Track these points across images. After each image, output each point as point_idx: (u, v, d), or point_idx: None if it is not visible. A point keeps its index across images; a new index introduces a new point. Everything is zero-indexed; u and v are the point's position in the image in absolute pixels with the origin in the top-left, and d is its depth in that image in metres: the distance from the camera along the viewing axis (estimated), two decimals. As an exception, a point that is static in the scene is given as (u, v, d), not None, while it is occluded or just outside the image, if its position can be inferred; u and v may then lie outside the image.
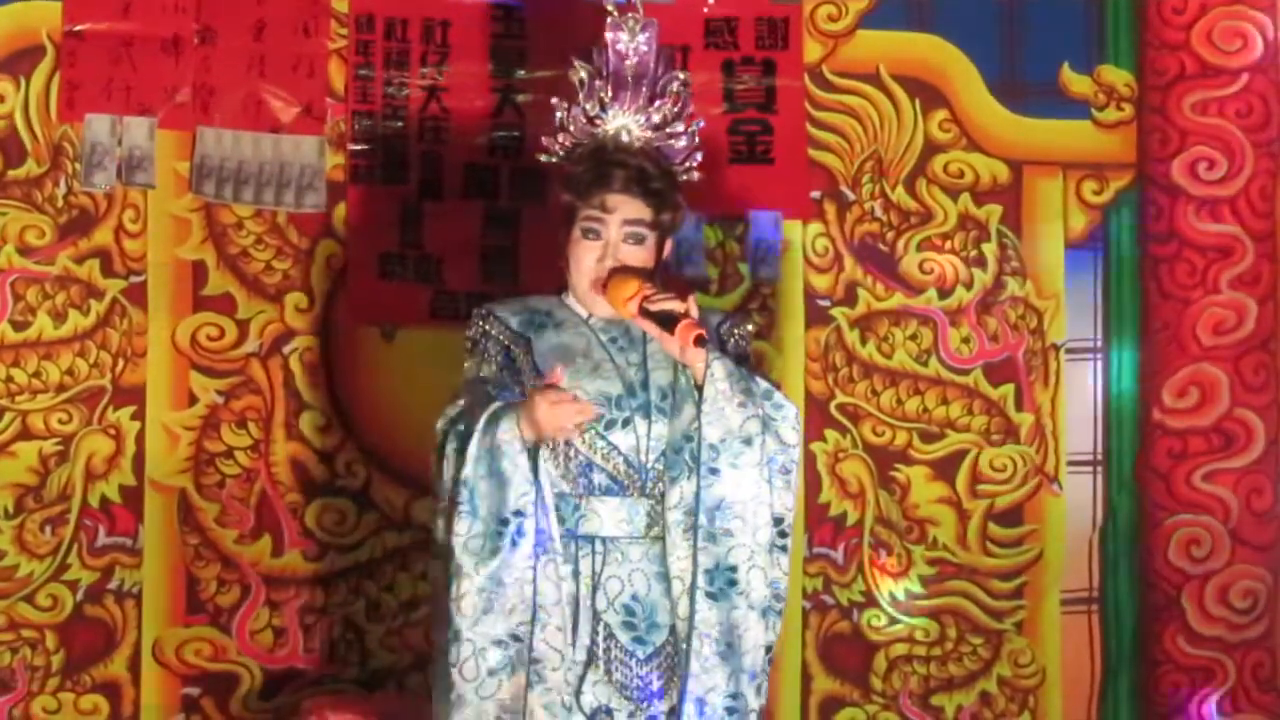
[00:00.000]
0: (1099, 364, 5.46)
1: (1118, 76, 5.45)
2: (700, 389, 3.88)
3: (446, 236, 5.19)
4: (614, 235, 3.97)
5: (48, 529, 5.09)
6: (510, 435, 3.82)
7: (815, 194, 5.37)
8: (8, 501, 5.06)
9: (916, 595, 5.39)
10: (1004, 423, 5.42)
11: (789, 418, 3.98)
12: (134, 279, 5.12)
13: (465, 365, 4.05)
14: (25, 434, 5.08)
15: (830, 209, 5.37)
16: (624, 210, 3.96)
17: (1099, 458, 5.46)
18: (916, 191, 5.39)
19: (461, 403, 3.94)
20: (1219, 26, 5.44)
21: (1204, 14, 5.44)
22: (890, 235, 5.39)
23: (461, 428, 3.88)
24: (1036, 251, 5.43)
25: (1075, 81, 5.44)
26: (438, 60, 5.21)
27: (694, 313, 3.83)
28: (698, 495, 3.88)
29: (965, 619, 5.41)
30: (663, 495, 3.94)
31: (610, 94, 4.03)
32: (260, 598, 5.17)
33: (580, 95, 4.04)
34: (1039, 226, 5.44)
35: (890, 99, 5.38)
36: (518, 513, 3.82)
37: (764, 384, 3.99)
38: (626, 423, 3.93)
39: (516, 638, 3.82)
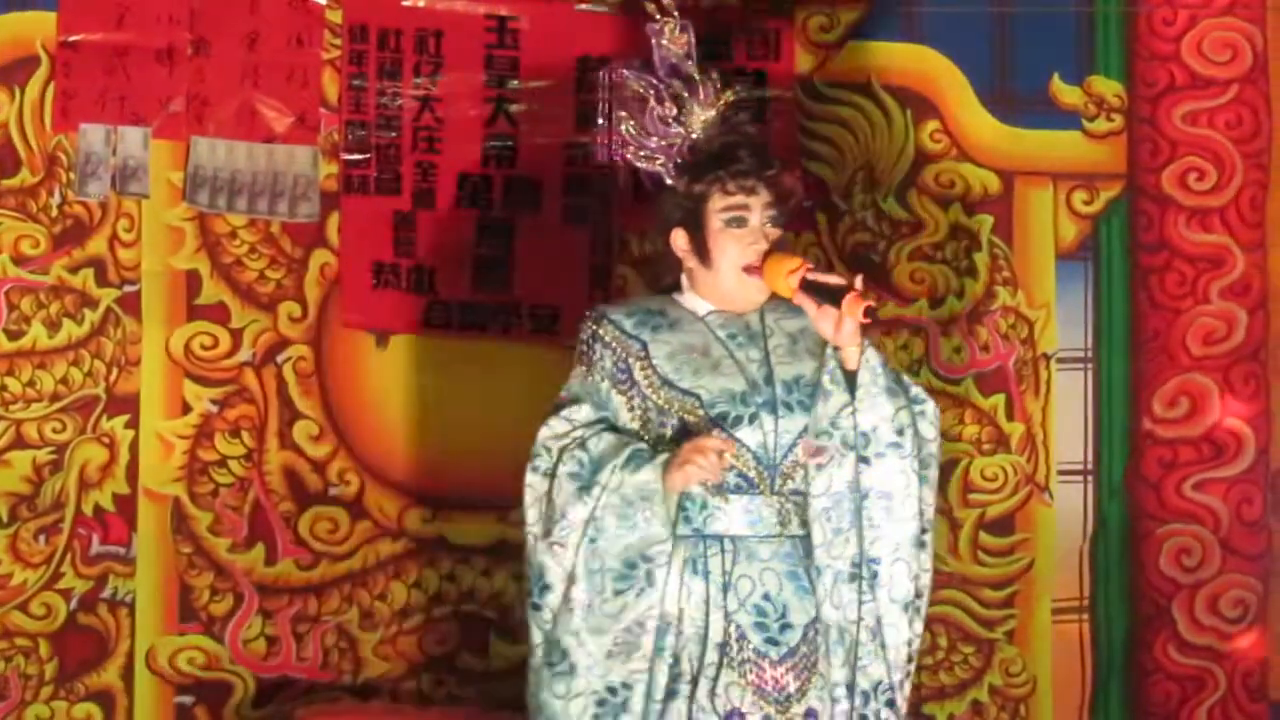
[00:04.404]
0: (1089, 374, 5.47)
1: (1108, 87, 5.46)
2: (853, 374, 3.85)
3: (440, 246, 5.20)
4: (758, 219, 3.95)
5: (41, 538, 5.09)
6: (653, 485, 3.80)
7: (807, 204, 5.38)
8: (1, 510, 5.06)
9: (908, 604, 5.40)
10: (995, 432, 5.43)
11: (928, 413, 3.97)
12: (128, 288, 5.13)
13: (574, 370, 4.01)
14: (19, 443, 5.08)
15: (822, 219, 5.38)
16: (764, 193, 3.95)
17: (1090, 467, 5.47)
18: (908, 201, 5.40)
19: (572, 423, 3.91)
20: (1209, 38, 5.46)
21: (1194, 25, 5.45)
22: (882, 245, 5.40)
23: (583, 457, 3.85)
24: (1027, 261, 5.44)
25: (1065, 92, 5.45)
26: (431, 70, 5.22)
27: (858, 285, 3.81)
28: (855, 482, 3.85)
29: (956, 628, 5.42)
30: (792, 492, 3.91)
31: (686, 92, 4.01)
32: (253, 606, 5.17)
33: (651, 101, 4.01)
34: (1030, 237, 5.45)
35: (881, 109, 5.40)
36: (646, 558, 3.81)
37: (905, 378, 3.99)
38: (753, 419, 3.89)
39: (627, 685, 3.82)
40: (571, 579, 3.84)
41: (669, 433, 3.91)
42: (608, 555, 3.82)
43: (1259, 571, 5.48)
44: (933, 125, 5.41)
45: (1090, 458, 5.46)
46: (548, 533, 3.87)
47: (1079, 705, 5.46)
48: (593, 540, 3.83)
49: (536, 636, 3.90)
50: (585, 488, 3.84)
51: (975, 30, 5.41)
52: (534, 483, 3.91)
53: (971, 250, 5.43)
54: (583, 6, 5.23)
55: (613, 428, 3.93)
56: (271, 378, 5.18)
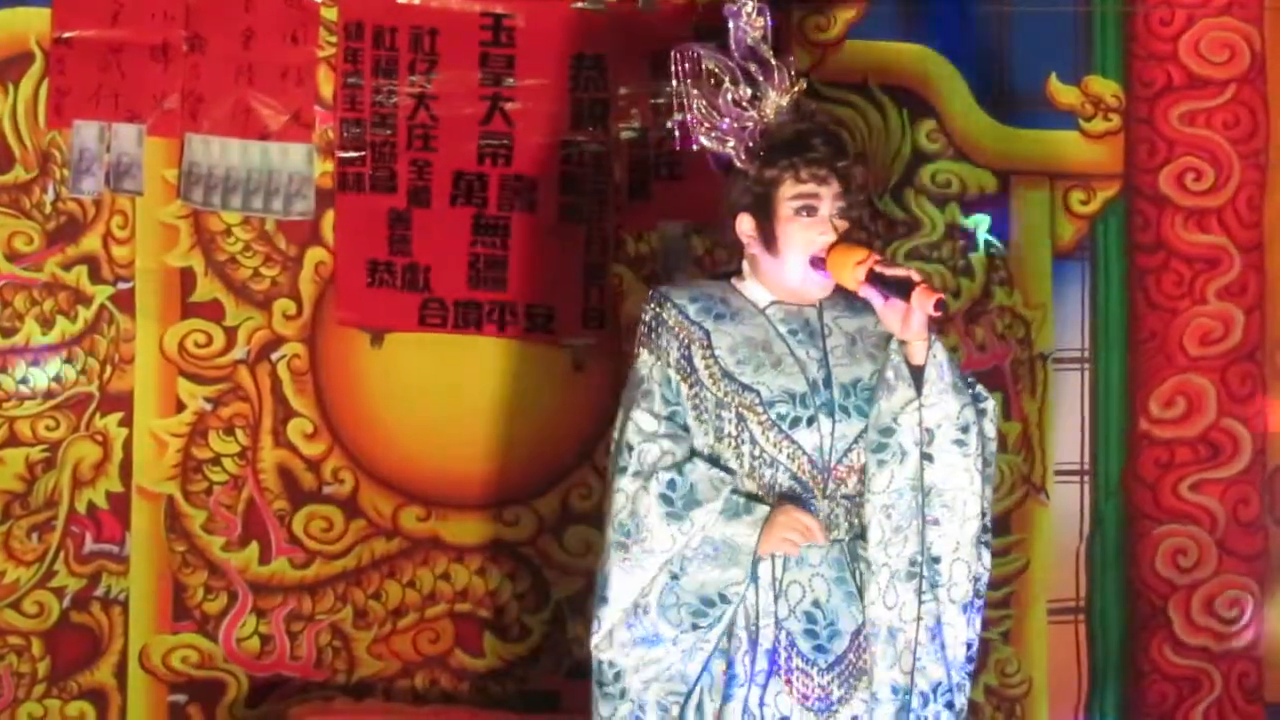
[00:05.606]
0: (1086, 374, 5.47)
1: (1105, 87, 5.46)
2: (919, 369, 3.78)
3: (435, 244, 5.19)
4: (827, 209, 3.86)
5: (34, 536, 5.09)
6: (745, 541, 3.77)
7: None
8: (-6, 508, 5.07)
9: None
10: (991, 432, 5.42)
11: (989, 411, 3.91)
12: (122, 285, 5.12)
13: (639, 355, 3.91)
14: (12, 440, 5.08)
15: (818, 218, 5.37)
16: (836, 183, 3.86)
17: (1086, 467, 5.46)
18: (904, 201, 5.40)
19: (658, 418, 3.83)
20: (1206, 38, 5.46)
21: (1191, 25, 5.45)
22: (878, 245, 5.38)
23: (678, 480, 3.79)
24: (1024, 261, 5.44)
25: (1063, 92, 5.44)
26: (426, 68, 5.21)
27: (916, 278, 3.75)
28: (918, 480, 3.78)
29: (952, 628, 5.41)
30: (843, 497, 3.85)
31: (761, 76, 3.93)
32: (247, 605, 5.16)
33: (726, 83, 3.92)
34: (1026, 236, 5.45)
35: (878, 109, 5.39)
36: (724, 598, 3.78)
37: (968, 375, 3.94)
38: (811, 421, 3.82)
39: (664, 708, 3.80)
40: (641, 608, 3.80)
41: (727, 427, 3.85)
42: (685, 592, 3.79)
43: (1255, 572, 5.48)
44: (929, 125, 5.40)
45: (1087, 458, 5.46)
46: (623, 545, 3.81)
47: (1075, 706, 5.46)
48: (674, 577, 3.79)
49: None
50: (676, 516, 3.79)
51: (972, 30, 5.41)
52: (624, 486, 3.81)
53: (968, 250, 5.43)
54: (579, 4, 5.22)
55: (699, 453, 3.86)
56: (266, 376, 5.17)
